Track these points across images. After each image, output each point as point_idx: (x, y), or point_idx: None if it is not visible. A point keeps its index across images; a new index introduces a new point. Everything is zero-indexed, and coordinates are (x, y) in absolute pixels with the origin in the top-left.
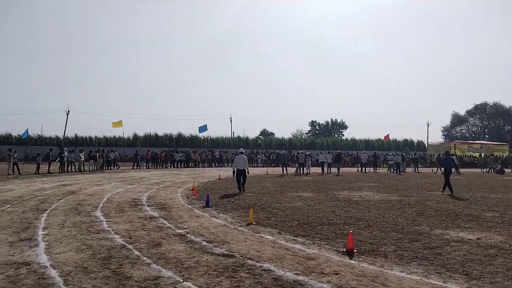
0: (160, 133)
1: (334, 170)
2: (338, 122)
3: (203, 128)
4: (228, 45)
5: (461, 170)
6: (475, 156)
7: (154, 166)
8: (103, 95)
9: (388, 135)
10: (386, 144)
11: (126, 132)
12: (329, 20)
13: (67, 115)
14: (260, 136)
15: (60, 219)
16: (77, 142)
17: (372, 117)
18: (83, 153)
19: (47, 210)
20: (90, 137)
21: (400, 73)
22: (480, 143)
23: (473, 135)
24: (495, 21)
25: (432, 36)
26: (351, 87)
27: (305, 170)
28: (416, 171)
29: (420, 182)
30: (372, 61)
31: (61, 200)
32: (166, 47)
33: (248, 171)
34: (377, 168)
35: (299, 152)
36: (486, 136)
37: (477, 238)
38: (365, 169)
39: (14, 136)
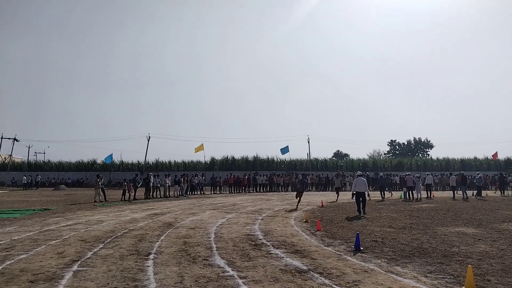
0: (237, 156)
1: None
2: (422, 141)
3: (285, 150)
4: (291, 68)
5: None
6: None
7: (237, 191)
8: (175, 121)
9: (496, 153)
10: (486, 164)
11: (201, 156)
12: (400, 36)
13: (148, 140)
14: (333, 158)
15: (174, 272)
16: (158, 167)
17: (458, 135)
18: (169, 178)
19: (150, 253)
20: (169, 162)
21: (485, 87)
22: None
23: None
24: None
25: None
26: (432, 104)
27: (415, 195)
28: None
29: None
30: (455, 75)
31: (162, 237)
32: (227, 75)
33: (369, 194)
34: (504, 191)
35: (406, 174)
36: None
37: None
38: (479, 193)
39: (98, 162)
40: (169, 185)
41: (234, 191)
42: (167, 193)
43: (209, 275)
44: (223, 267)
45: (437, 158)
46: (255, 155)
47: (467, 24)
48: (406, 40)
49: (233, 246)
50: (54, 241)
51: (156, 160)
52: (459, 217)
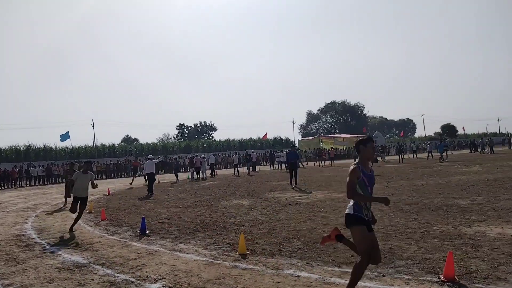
0: (3, 146)
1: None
2: (207, 124)
3: (65, 136)
4: (75, 50)
5: (336, 162)
6: (340, 148)
7: (4, 186)
8: None
9: (266, 134)
10: (259, 143)
11: None
12: (183, 23)
13: None
14: (122, 143)
15: None
16: None
17: (237, 118)
18: None
19: None
20: None
21: (257, 73)
22: (342, 137)
23: (325, 130)
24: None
25: (279, 41)
26: (211, 90)
27: (202, 174)
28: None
29: (332, 176)
30: (226, 63)
31: None
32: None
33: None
34: (273, 166)
35: (195, 155)
36: (336, 130)
37: None
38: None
39: None
40: None
41: (2, 187)
42: None
43: None
44: None
45: (220, 140)
46: (28, 144)
47: (227, 13)
48: (188, 28)
49: None
50: None
51: None
52: (237, 191)
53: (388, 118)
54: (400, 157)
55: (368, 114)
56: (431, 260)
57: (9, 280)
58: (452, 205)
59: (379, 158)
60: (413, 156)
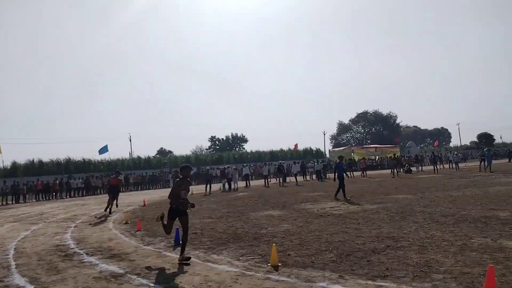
0: (45, 159)
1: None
2: (238, 136)
3: (103, 150)
4: (111, 67)
5: (368, 172)
6: (372, 159)
7: (46, 198)
8: None
9: (296, 144)
10: (289, 154)
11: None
12: (211, 37)
13: None
14: (157, 155)
15: None
16: None
17: (267, 130)
18: None
19: None
20: None
21: (288, 87)
22: (374, 147)
23: (357, 141)
24: (364, 39)
25: (310, 53)
26: (241, 103)
27: (233, 186)
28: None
29: (365, 187)
30: (257, 76)
31: None
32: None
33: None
34: (306, 177)
35: (227, 166)
36: (368, 141)
37: None
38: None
39: None
40: None
41: (43, 198)
42: None
43: None
44: (23, 286)
45: (251, 151)
46: (67, 157)
47: (270, 30)
48: (217, 43)
49: (38, 260)
50: None
51: None
52: (268, 201)
53: (422, 128)
54: (435, 168)
55: (401, 124)
56: (470, 275)
57: None
58: (491, 217)
59: (413, 168)
60: (449, 166)
